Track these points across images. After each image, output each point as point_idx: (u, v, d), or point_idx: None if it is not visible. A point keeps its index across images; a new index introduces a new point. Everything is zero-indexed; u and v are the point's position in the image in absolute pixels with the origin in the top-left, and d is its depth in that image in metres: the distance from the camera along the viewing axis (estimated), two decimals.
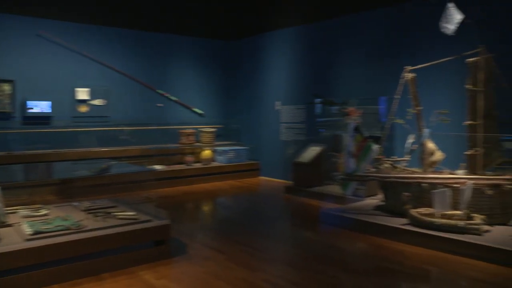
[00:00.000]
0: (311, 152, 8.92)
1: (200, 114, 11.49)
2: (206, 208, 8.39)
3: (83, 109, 9.67)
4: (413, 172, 6.34)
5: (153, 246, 4.87)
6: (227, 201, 8.79)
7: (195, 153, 10.62)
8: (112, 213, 5.14)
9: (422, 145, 6.42)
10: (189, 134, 10.58)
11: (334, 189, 7.81)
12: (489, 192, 5.50)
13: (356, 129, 6.35)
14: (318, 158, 8.74)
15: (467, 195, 5.34)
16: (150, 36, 10.64)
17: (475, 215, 5.36)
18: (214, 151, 10.91)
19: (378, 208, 6.61)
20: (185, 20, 9.77)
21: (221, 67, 12.01)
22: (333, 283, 4.29)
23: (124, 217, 5.01)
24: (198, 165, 10.44)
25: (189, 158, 10.33)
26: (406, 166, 6.68)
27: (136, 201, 5.82)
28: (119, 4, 8.31)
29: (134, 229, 4.75)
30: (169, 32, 10.83)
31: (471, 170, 6.00)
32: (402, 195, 5.87)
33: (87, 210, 5.31)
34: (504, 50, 6.29)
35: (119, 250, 4.62)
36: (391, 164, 6.64)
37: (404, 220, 5.69)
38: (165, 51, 10.92)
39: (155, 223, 4.93)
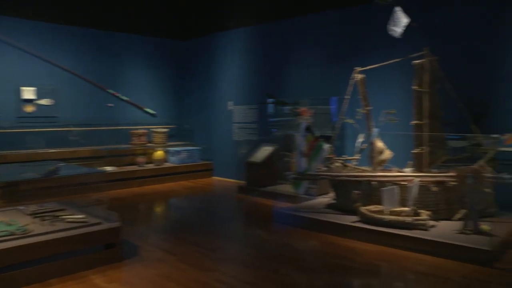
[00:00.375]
0: (264, 152, 8.97)
1: (152, 114, 11.33)
2: (158, 209, 8.28)
3: (29, 109, 9.32)
4: (363, 171, 6.49)
5: (103, 249, 4.76)
6: (180, 202, 8.70)
7: (147, 153, 10.46)
8: (60, 217, 4.98)
9: (371, 144, 6.58)
10: (140, 135, 10.41)
11: (287, 188, 7.87)
12: (435, 189, 5.71)
13: (308, 129, 6.43)
14: (270, 157, 8.80)
15: (414, 192, 5.51)
16: (100, 35, 10.37)
17: (422, 211, 5.56)
18: (166, 152, 10.79)
19: (329, 206, 6.73)
20: (136, 19, 9.62)
21: (173, 67, 11.88)
22: (286, 281, 4.33)
23: (72, 220, 4.87)
24: (150, 166, 10.30)
25: (141, 159, 10.17)
26: (356, 165, 6.82)
27: (85, 203, 5.67)
28: (68, 0, 8.07)
29: (83, 232, 4.62)
30: (119, 30, 10.60)
31: (418, 168, 6.20)
32: (352, 193, 6.01)
33: (34, 214, 5.12)
34: (446, 52, 6.55)
35: (68, 254, 4.48)
36: (341, 163, 6.77)
37: (355, 218, 5.82)
38: (116, 50, 10.69)
39: (105, 225, 4.82)
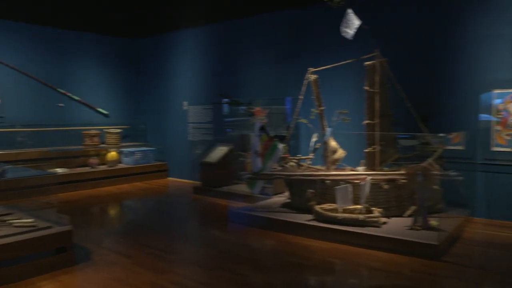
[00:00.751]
0: (219, 152, 8.96)
1: (105, 115, 11.09)
2: (112, 211, 8.12)
3: None
4: (317, 170, 6.59)
5: (54, 254, 4.62)
6: (134, 204, 8.57)
7: (100, 155, 10.25)
8: (7, 221, 4.79)
9: (325, 144, 6.69)
10: (93, 135, 10.18)
11: (242, 188, 7.89)
12: (386, 186, 5.87)
13: (262, 129, 6.47)
14: (225, 158, 8.79)
15: (366, 190, 5.65)
16: (49, 32, 10.04)
17: (374, 208, 5.70)
18: (120, 153, 10.59)
19: (284, 205, 6.80)
20: (87, 16, 9.37)
21: (127, 66, 11.65)
22: (242, 281, 4.35)
23: (21, 224, 4.70)
24: (103, 167, 10.09)
25: (93, 160, 9.95)
26: (310, 164, 6.92)
27: (35, 207, 5.49)
28: None
29: (32, 237, 4.47)
30: (69, 28, 10.30)
31: (370, 166, 6.35)
32: (307, 192, 6.09)
33: None
34: (396, 54, 6.75)
35: (16, 260, 4.33)
36: (296, 163, 6.85)
37: (309, 216, 5.91)
38: (66, 48, 10.37)
39: (56, 229, 4.68)
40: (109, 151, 10.33)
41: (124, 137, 10.99)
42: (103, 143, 10.49)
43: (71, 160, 9.88)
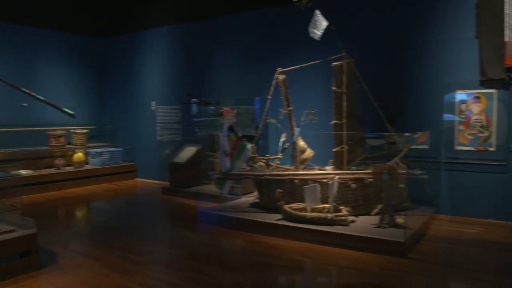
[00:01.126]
0: (188, 152, 8.90)
1: (71, 115, 10.86)
2: (79, 213, 7.96)
3: None
4: (286, 170, 6.63)
5: (18, 258, 4.50)
6: (102, 205, 8.43)
7: (66, 155, 10.06)
8: None
9: (293, 144, 6.72)
10: (59, 136, 9.97)
11: (211, 188, 7.87)
12: (353, 185, 5.95)
13: (230, 129, 6.46)
14: (194, 158, 8.74)
15: (334, 189, 5.70)
16: (12, 29, 9.72)
17: (342, 207, 5.77)
18: (87, 154, 10.41)
19: (253, 205, 6.81)
20: (54, 14, 9.15)
21: (94, 66, 11.45)
22: (211, 281, 4.33)
23: None
24: (69, 168, 9.90)
25: (59, 161, 9.75)
26: (279, 164, 6.94)
27: None
28: None
29: None
30: (33, 25, 10.01)
31: (338, 166, 6.42)
32: (275, 192, 6.11)
33: None
34: (363, 55, 6.85)
35: None
36: (265, 162, 6.87)
37: (278, 216, 5.93)
38: (30, 46, 10.08)
39: (20, 233, 4.55)
40: (76, 152, 10.14)
41: (91, 137, 10.81)
42: (69, 144, 10.29)
43: (36, 162, 9.65)
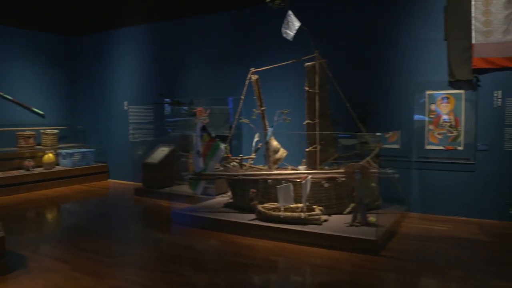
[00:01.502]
0: (161, 152, 8.84)
1: (40, 115, 10.63)
2: (49, 216, 7.79)
3: None
4: (259, 170, 6.64)
5: None
6: (73, 207, 8.27)
7: (36, 157, 9.83)
8: None
9: (266, 144, 6.74)
10: (28, 137, 9.75)
11: (185, 189, 7.81)
12: (326, 185, 6.01)
13: (204, 129, 6.44)
14: (167, 158, 8.68)
15: (307, 188, 5.74)
16: None
17: (315, 206, 5.81)
18: (57, 155, 10.21)
19: (227, 205, 6.80)
20: (22, 11, 8.93)
21: (64, 65, 11.22)
22: (185, 282, 4.30)
23: None
24: (39, 170, 9.67)
25: (28, 162, 9.52)
26: (252, 164, 6.95)
27: None
28: None
29: None
30: (0, 23, 9.74)
31: (311, 165, 6.47)
32: (249, 191, 6.12)
33: None
34: (335, 56, 6.93)
35: None
36: (238, 163, 6.87)
37: (252, 216, 5.94)
38: None
39: None
40: (46, 153, 9.93)
41: (62, 138, 10.60)
42: (39, 145, 10.07)
43: (4, 163, 9.43)
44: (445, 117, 6.64)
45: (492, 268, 4.60)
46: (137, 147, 9.86)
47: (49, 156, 9.91)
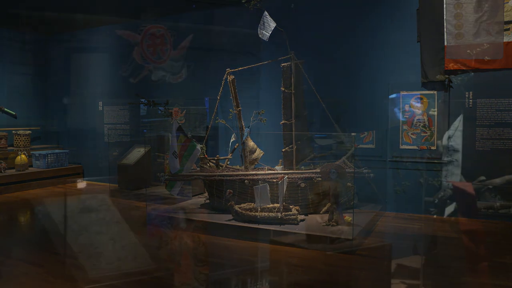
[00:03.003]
0: (136, 153, 8.76)
1: (12, 115, 10.41)
2: (22, 219, 7.63)
3: None
4: (236, 170, 6.64)
5: None
6: (47, 210, 8.12)
7: (8, 158, 9.63)
8: None
9: (243, 144, 6.75)
10: None
11: (161, 190, 7.78)
12: (303, 185, 6.04)
13: (180, 130, 6.41)
14: (143, 159, 8.61)
15: (284, 188, 5.77)
16: None
17: (292, 206, 5.84)
18: (30, 156, 10.02)
19: (204, 206, 6.78)
20: None
21: (37, 64, 11.02)
22: (160, 283, 4.28)
23: None
24: (11, 171, 9.48)
25: (0, 164, 9.32)
26: (229, 164, 6.95)
27: None
28: None
29: None
30: None
31: (287, 165, 6.50)
32: (226, 192, 6.12)
33: None
34: (311, 56, 6.98)
35: None
36: (214, 163, 6.86)
37: (229, 216, 5.94)
38: None
39: None
40: (18, 154, 9.74)
41: (35, 139, 10.40)
42: (11, 146, 9.86)
43: None
44: (419, 117, 6.75)
45: (463, 265, 4.70)
46: (113, 148, 9.75)
47: (22, 158, 9.72)
